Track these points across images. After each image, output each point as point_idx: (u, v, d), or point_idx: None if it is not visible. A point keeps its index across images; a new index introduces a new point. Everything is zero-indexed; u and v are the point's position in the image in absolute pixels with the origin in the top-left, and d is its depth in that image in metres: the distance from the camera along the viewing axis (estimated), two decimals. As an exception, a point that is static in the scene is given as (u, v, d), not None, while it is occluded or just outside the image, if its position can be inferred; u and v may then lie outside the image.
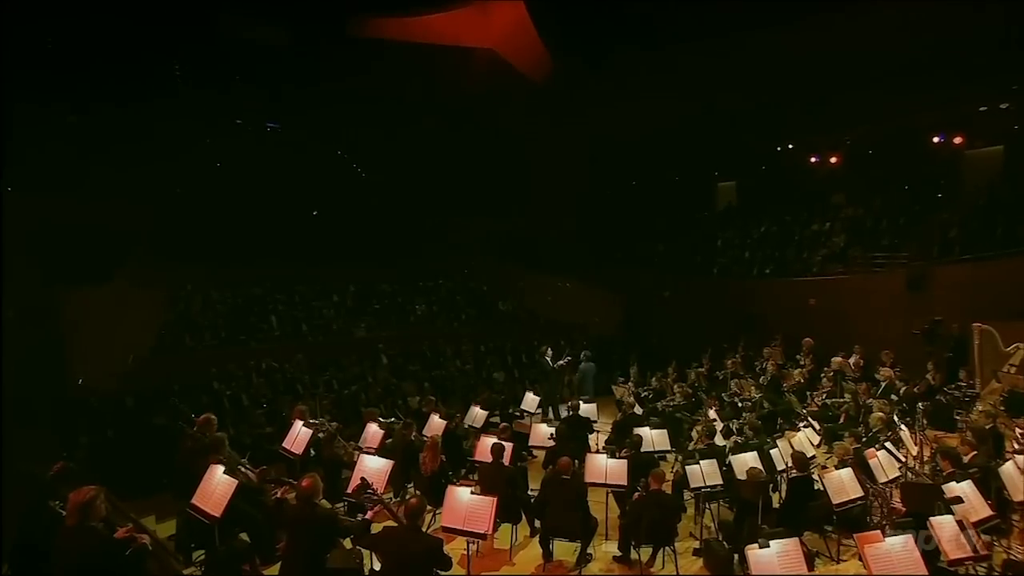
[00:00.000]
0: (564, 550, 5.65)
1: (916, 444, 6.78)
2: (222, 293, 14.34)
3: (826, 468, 6.19)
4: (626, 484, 5.88)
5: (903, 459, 6.34)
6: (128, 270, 12.97)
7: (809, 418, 7.80)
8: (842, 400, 9.09)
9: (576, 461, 5.94)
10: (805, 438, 7.05)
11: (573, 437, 7.63)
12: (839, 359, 9.99)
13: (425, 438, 6.87)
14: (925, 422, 7.40)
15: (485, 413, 8.51)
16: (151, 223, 14.28)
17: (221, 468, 4.73)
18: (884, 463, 5.85)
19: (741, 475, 5.74)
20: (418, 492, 5.93)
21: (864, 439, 6.79)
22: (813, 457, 6.64)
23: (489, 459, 6.13)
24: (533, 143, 17.56)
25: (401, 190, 18.30)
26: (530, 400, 9.64)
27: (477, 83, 14.42)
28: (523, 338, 14.17)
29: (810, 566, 4.69)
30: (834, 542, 5.54)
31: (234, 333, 12.75)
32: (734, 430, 7.64)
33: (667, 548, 5.47)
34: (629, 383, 10.62)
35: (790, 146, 15.97)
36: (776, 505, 5.99)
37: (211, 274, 14.68)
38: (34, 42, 10.71)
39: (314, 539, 4.17)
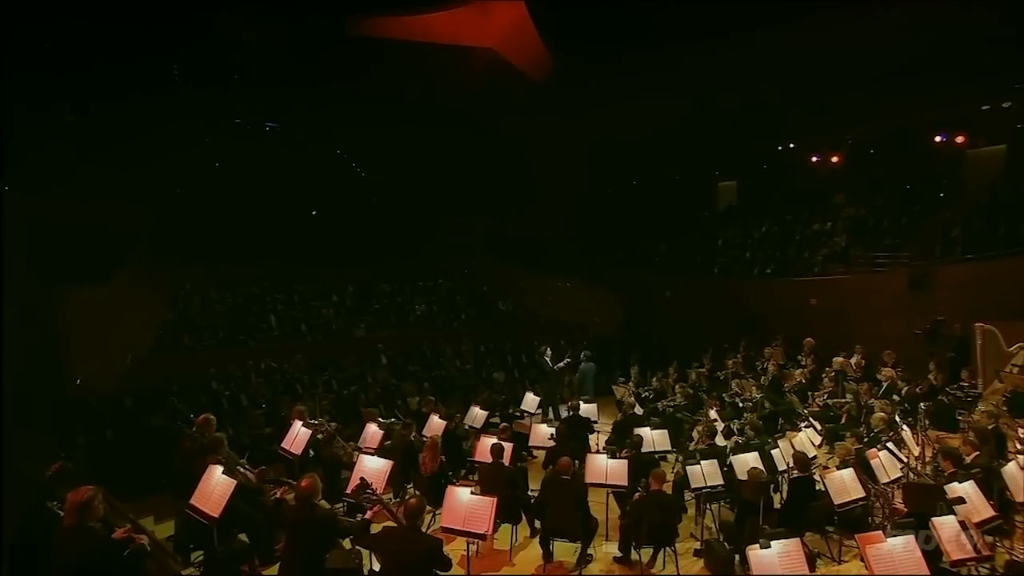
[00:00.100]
0: (564, 551, 5.63)
1: (918, 444, 6.78)
2: (221, 293, 14.31)
3: (827, 468, 6.16)
4: (627, 484, 5.85)
5: (905, 459, 6.32)
6: (127, 270, 12.94)
7: (810, 418, 7.80)
8: (844, 400, 9.09)
9: (576, 461, 5.91)
10: (806, 438, 7.03)
11: (573, 437, 7.61)
12: (840, 359, 9.97)
13: (425, 438, 6.85)
14: (927, 422, 7.41)
15: (485, 413, 8.49)
16: (150, 223, 14.24)
17: (220, 468, 4.71)
18: (886, 463, 5.83)
19: (742, 475, 5.72)
20: (418, 492, 5.90)
21: (866, 439, 6.79)
22: (814, 457, 6.61)
23: (489, 459, 6.12)
24: (533, 143, 17.52)
25: (401, 190, 18.28)
26: (530, 400, 9.63)
27: (477, 83, 14.40)
28: (523, 338, 14.13)
29: (811, 567, 4.69)
30: (836, 543, 5.53)
31: (233, 333, 12.72)
32: (735, 430, 7.61)
33: (668, 549, 5.45)
34: (629, 383, 10.60)
35: (791, 145, 15.93)
36: (777, 506, 5.96)
37: (210, 274, 14.66)
38: (34, 42, 10.69)
39: (313, 539, 4.16)
